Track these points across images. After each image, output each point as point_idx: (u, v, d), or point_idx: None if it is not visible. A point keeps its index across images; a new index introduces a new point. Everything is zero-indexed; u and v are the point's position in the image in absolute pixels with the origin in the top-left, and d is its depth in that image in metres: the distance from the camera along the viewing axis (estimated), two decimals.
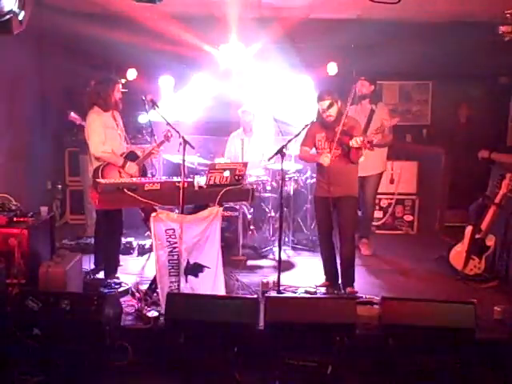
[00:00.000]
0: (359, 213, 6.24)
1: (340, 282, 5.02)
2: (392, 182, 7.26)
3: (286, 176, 6.04)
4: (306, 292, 4.94)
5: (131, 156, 5.02)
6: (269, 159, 5.21)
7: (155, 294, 4.51)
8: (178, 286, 4.38)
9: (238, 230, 5.93)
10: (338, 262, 5.04)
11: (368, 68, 7.32)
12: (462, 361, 3.77)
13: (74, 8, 7.00)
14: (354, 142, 4.54)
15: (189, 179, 4.63)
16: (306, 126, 4.83)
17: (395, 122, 6.11)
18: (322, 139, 4.92)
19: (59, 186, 7.08)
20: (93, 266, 5.16)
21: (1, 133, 5.71)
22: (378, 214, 7.25)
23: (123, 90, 5.10)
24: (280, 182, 5.06)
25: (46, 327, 3.78)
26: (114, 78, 5.14)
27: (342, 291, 4.93)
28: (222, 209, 4.63)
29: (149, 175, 5.19)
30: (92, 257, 5.19)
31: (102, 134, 4.84)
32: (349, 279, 4.96)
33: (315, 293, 4.93)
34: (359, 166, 5.20)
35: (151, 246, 5.27)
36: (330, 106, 4.79)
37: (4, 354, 3.74)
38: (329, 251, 5.09)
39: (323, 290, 5.02)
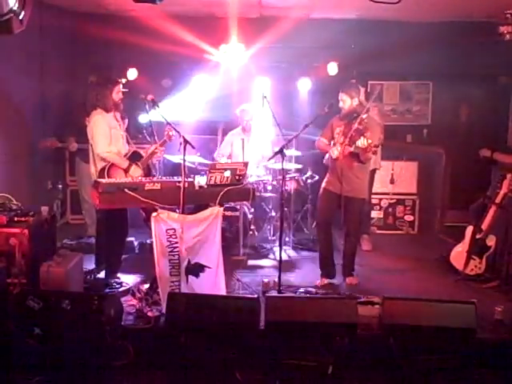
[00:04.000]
0: None
1: (342, 270, 5.27)
2: (392, 182, 7.27)
3: (287, 176, 6.03)
4: (307, 292, 4.94)
5: (135, 156, 5.02)
6: (268, 159, 5.24)
7: (156, 294, 4.51)
8: (179, 285, 4.38)
9: (238, 230, 5.93)
10: (340, 254, 5.33)
11: (368, 68, 7.34)
12: (463, 361, 3.77)
13: (74, 8, 7.02)
14: (360, 143, 4.64)
15: (189, 179, 4.63)
16: (306, 125, 4.85)
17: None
18: (339, 132, 5.06)
19: (60, 186, 7.08)
20: (94, 266, 5.16)
21: (1, 133, 5.70)
22: (378, 213, 7.27)
23: (124, 90, 5.09)
24: (281, 181, 5.09)
25: (47, 327, 3.78)
26: (113, 78, 5.11)
27: (342, 281, 5.19)
28: (222, 209, 4.63)
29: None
30: (93, 256, 5.19)
31: (108, 135, 4.84)
32: (349, 268, 5.24)
33: (316, 293, 4.94)
34: None
35: (152, 245, 5.27)
36: (343, 100, 5.04)
37: (4, 353, 3.74)
38: (327, 243, 5.28)
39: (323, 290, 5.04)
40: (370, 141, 4.58)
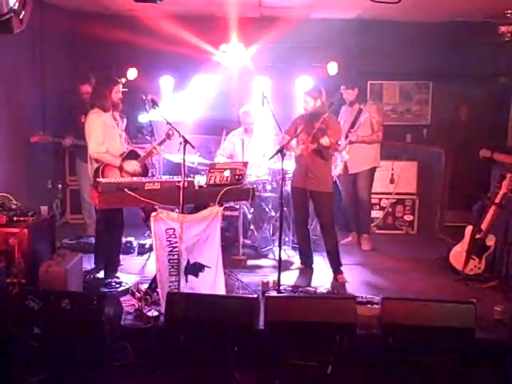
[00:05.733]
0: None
1: (330, 268, 5.42)
2: (392, 181, 7.27)
3: (286, 175, 6.03)
4: (306, 292, 4.94)
5: (132, 155, 5.01)
6: (269, 159, 5.27)
7: (155, 294, 4.51)
8: (178, 285, 4.38)
9: (238, 230, 5.93)
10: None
11: (368, 68, 7.34)
12: (462, 361, 3.77)
13: (74, 8, 7.02)
14: (323, 141, 4.99)
15: (189, 179, 4.63)
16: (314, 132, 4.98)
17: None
18: (302, 131, 5.26)
19: (59, 186, 7.08)
20: (93, 266, 5.16)
21: (1, 132, 5.70)
22: (377, 213, 7.27)
23: (123, 90, 5.08)
24: (280, 181, 5.12)
25: (46, 326, 3.78)
26: (113, 78, 5.11)
27: (333, 279, 5.33)
28: (222, 208, 4.63)
29: (149, 174, 5.18)
30: (92, 256, 5.20)
31: (101, 135, 4.81)
32: (336, 265, 5.39)
33: (315, 292, 4.94)
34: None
35: (151, 245, 5.27)
36: (306, 101, 5.29)
37: (4, 353, 3.74)
38: (303, 237, 5.64)
39: (323, 289, 5.05)
40: (332, 139, 4.98)
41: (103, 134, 4.83)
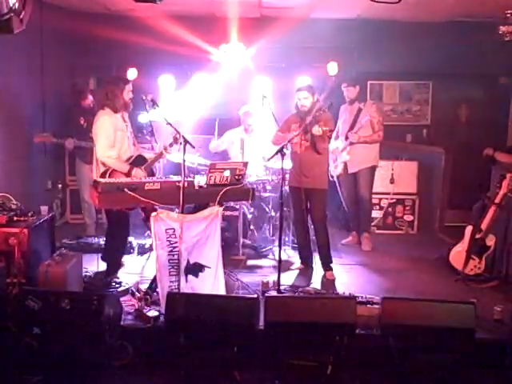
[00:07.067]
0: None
1: (321, 265, 5.47)
2: (392, 181, 7.27)
3: (286, 175, 6.03)
4: (306, 292, 4.94)
5: (139, 160, 4.96)
6: (268, 159, 5.27)
7: (155, 294, 4.51)
8: (178, 285, 4.38)
9: (238, 230, 5.93)
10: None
11: (368, 68, 7.35)
12: (462, 361, 3.77)
13: (74, 7, 7.02)
14: (315, 130, 4.95)
15: (189, 179, 4.63)
16: (306, 125, 4.90)
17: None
18: (296, 129, 5.27)
19: (59, 186, 7.08)
20: (94, 266, 5.15)
21: (1, 132, 5.71)
22: (377, 213, 7.26)
23: None
24: (280, 181, 5.13)
25: (46, 327, 3.78)
26: (124, 77, 5.06)
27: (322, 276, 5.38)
28: (222, 208, 4.63)
29: None
30: (92, 256, 5.19)
31: (111, 137, 4.76)
32: (326, 262, 5.44)
33: (315, 292, 4.94)
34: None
35: (151, 245, 5.27)
36: (306, 97, 5.24)
37: (4, 353, 3.74)
38: (303, 236, 5.61)
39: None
40: (324, 128, 4.91)
41: (114, 137, 4.79)
